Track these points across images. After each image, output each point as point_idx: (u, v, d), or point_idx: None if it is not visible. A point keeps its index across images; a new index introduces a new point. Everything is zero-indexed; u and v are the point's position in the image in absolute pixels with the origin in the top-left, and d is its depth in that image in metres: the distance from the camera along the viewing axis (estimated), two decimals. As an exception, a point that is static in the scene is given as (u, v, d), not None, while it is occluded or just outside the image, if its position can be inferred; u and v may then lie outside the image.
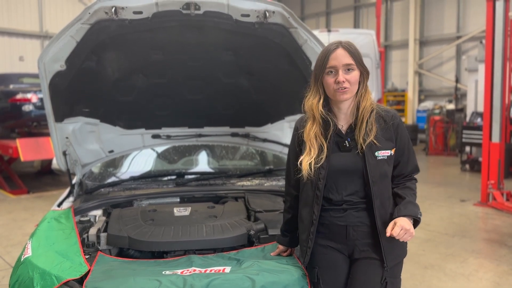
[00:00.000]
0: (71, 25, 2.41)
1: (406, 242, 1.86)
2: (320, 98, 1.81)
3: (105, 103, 3.02)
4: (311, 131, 1.82)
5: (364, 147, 1.77)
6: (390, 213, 1.82)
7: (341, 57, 1.75)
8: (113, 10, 2.35)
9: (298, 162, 1.85)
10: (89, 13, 2.37)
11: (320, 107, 1.81)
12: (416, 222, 1.77)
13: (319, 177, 1.80)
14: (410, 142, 1.88)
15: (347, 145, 1.81)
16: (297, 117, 3.19)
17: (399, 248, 1.84)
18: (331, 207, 1.84)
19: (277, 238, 2.14)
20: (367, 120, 1.79)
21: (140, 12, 2.40)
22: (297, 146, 1.93)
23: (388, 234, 1.68)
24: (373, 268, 1.80)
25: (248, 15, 2.47)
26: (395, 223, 1.70)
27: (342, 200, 1.82)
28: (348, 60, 1.75)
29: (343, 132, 1.84)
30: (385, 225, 1.78)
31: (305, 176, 1.82)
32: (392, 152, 1.81)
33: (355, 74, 1.77)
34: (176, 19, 2.46)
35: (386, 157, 1.79)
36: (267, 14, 2.46)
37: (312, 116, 1.83)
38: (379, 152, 1.78)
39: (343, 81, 1.74)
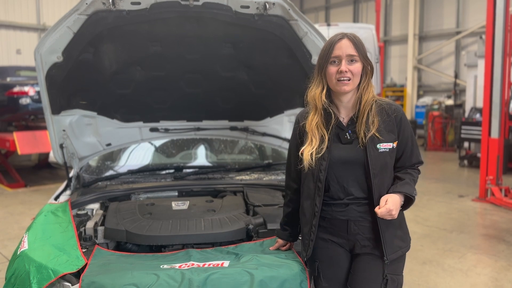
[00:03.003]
0: (68, 15, 2.38)
1: (408, 235, 1.87)
2: (323, 89, 1.81)
3: (102, 96, 2.99)
4: (313, 121, 1.82)
5: (365, 139, 1.76)
6: None
7: (345, 48, 1.76)
8: (110, 0, 2.32)
9: (300, 153, 1.85)
10: (86, 3, 2.34)
11: (323, 97, 1.80)
12: (410, 201, 1.78)
13: (320, 168, 1.80)
14: (414, 136, 1.87)
15: (348, 137, 1.80)
16: (297, 111, 3.21)
17: (400, 240, 1.82)
18: (332, 201, 1.83)
19: (276, 232, 2.13)
20: (369, 113, 1.78)
21: (138, 3, 2.37)
22: (299, 138, 1.92)
23: (376, 210, 1.68)
24: (374, 265, 1.79)
25: (247, 7, 2.44)
26: (386, 200, 1.70)
27: (344, 193, 1.80)
28: (352, 51, 1.76)
29: (344, 124, 1.84)
30: (388, 221, 1.75)
31: (306, 166, 1.81)
32: (394, 145, 1.80)
33: (357, 66, 1.77)
34: (174, 10, 2.43)
35: (388, 150, 1.78)
36: (267, 6, 2.43)
37: (314, 107, 1.83)
38: (381, 144, 1.77)
39: (346, 71, 1.74)
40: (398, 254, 1.81)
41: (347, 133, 1.81)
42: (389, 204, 1.68)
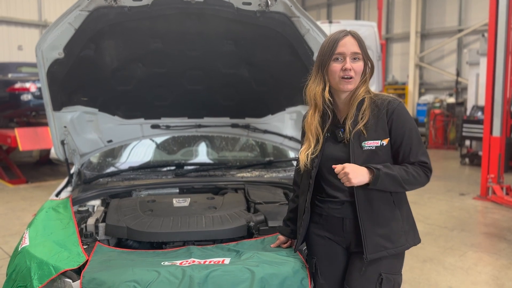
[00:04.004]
0: (70, 11, 2.37)
1: (400, 236, 1.77)
2: (325, 86, 1.77)
3: (103, 92, 2.99)
4: (312, 121, 1.81)
5: (350, 135, 1.73)
6: (382, 210, 1.74)
7: (350, 45, 1.72)
8: (112, -3, 2.31)
9: (299, 153, 1.85)
10: (88, -1, 2.33)
11: (327, 95, 1.77)
12: (376, 179, 1.65)
13: (312, 165, 1.81)
14: (414, 131, 1.74)
15: (340, 135, 1.78)
16: (298, 108, 3.21)
17: (385, 240, 1.73)
18: (329, 198, 1.82)
19: (278, 228, 2.13)
20: (357, 108, 1.74)
21: (140, -1, 2.36)
22: (301, 136, 1.94)
23: (334, 167, 1.67)
24: (369, 263, 1.75)
25: (249, 3, 2.43)
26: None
27: (337, 191, 1.79)
28: (356, 49, 1.73)
29: (340, 122, 1.82)
30: (371, 220, 1.72)
31: (302, 167, 1.83)
32: (384, 142, 1.72)
33: (360, 64, 1.74)
34: (176, 7, 2.42)
35: (374, 148, 1.71)
36: (269, 3, 2.41)
37: (314, 105, 1.81)
38: (366, 142, 1.72)
39: (350, 69, 1.71)
40: (382, 254, 1.72)
41: (339, 131, 1.79)
42: (347, 165, 1.64)
